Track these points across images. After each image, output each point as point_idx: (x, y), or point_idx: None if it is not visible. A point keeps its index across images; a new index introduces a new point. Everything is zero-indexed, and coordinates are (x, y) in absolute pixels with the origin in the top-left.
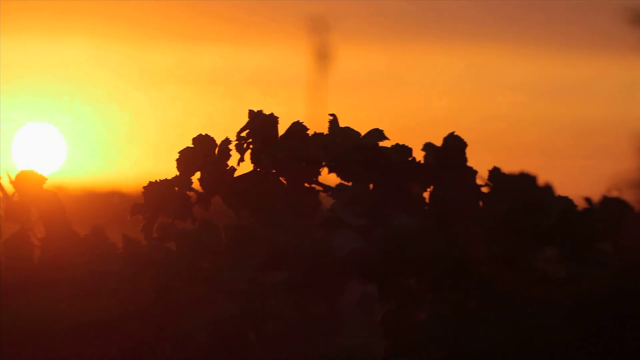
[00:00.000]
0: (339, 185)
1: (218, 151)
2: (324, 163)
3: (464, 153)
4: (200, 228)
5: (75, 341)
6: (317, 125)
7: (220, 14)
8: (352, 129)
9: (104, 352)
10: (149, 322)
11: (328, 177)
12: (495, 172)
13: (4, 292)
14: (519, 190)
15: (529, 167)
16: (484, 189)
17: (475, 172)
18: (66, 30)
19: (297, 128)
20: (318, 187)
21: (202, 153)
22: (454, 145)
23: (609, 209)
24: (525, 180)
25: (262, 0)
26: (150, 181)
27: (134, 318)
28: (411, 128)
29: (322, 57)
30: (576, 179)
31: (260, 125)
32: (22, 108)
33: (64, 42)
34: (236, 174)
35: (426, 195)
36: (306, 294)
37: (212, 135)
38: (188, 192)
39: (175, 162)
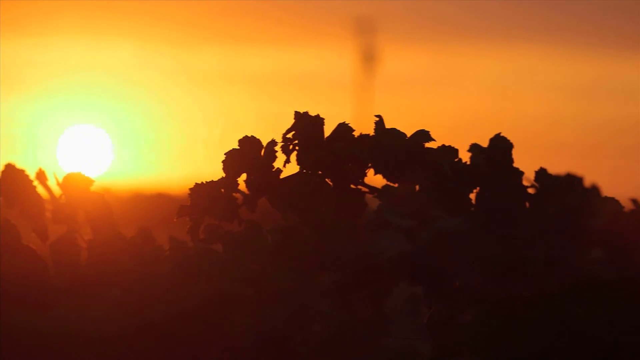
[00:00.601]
0: (385, 187)
1: (264, 153)
2: (370, 164)
3: (510, 154)
4: (246, 230)
5: (123, 345)
6: (363, 126)
7: (267, 15)
8: (399, 130)
9: (151, 356)
10: (196, 324)
11: (374, 179)
12: (541, 173)
13: (52, 294)
14: (565, 192)
15: (571, 167)
16: (531, 190)
17: (522, 173)
18: (113, 31)
19: (343, 129)
20: (364, 189)
21: (249, 155)
22: (500, 146)
23: None
24: (572, 181)
25: (308, 3)
26: (196, 183)
27: (181, 321)
28: (457, 129)
29: (368, 58)
30: (616, 179)
31: (306, 126)
32: (69, 110)
33: (111, 43)
34: (282, 175)
35: (472, 196)
36: (353, 296)
37: (258, 137)
38: (234, 194)
39: (222, 164)
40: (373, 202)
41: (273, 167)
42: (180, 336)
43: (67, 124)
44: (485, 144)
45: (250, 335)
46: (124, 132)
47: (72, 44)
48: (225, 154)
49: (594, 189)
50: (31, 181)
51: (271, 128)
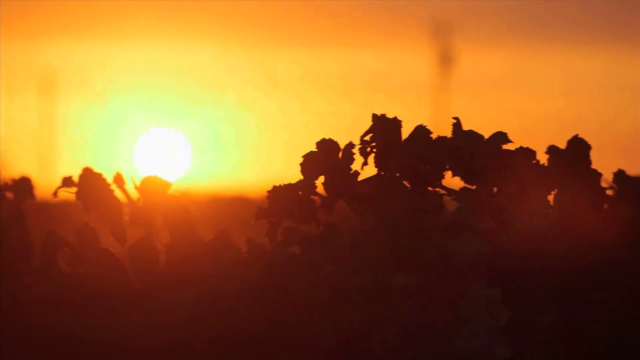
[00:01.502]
0: (463, 189)
1: (342, 155)
2: (447, 166)
3: (588, 155)
4: (324, 232)
5: (201, 347)
6: (441, 128)
7: (345, 17)
8: (476, 132)
9: (229, 358)
10: (273, 326)
11: (452, 181)
12: (620, 175)
13: (131, 296)
14: None
15: None
16: (609, 192)
17: (600, 174)
18: (192, 34)
19: (421, 131)
20: (442, 191)
21: (327, 157)
22: (578, 147)
23: None
24: None
25: (386, 5)
26: (274, 186)
27: (259, 323)
28: (535, 130)
29: (445, 60)
30: None
31: (383, 128)
32: (147, 113)
33: (190, 46)
34: (360, 177)
35: (550, 198)
36: (430, 298)
37: (335, 139)
38: (312, 196)
39: (300, 167)
40: (451, 204)
41: (351, 169)
42: (258, 338)
43: (145, 127)
44: (563, 145)
45: (328, 336)
46: (202, 135)
47: (151, 46)
48: (303, 156)
49: None
50: (109, 185)
51: (349, 130)
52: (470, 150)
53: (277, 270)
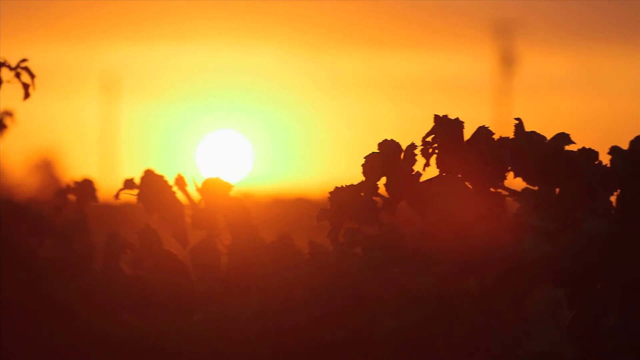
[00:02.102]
0: (525, 190)
1: (404, 156)
2: (509, 167)
3: None
4: (386, 233)
5: (264, 348)
6: (503, 129)
7: (407, 19)
8: (538, 133)
9: (292, 358)
10: (337, 327)
11: (514, 182)
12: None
13: (193, 298)
14: None
15: None
16: None
17: None
18: (256, 35)
19: (483, 132)
20: (504, 192)
21: (388, 158)
22: None
23: None
24: None
25: (448, 6)
26: (336, 187)
27: (322, 324)
28: (597, 131)
29: (508, 61)
30: None
31: (446, 129)
32: (209, 115)
33: (253, 47)
34: (422, 178)
35: (613, 199)
36: (495, 300)
37: (398, 140)
38: (374, 198)
39: (362, 168)
40: (513, 205)
41: (413, 170)
42: (321, 339)
43: (207, 129)
44: (625, 146)
45: (392, 338)
46: (264, 137)
47: (214, 48)
48: (365, 157)
49: None
50: (170, 187)
51: (411, 131)
52: (532, 151)
53: (339, 272)
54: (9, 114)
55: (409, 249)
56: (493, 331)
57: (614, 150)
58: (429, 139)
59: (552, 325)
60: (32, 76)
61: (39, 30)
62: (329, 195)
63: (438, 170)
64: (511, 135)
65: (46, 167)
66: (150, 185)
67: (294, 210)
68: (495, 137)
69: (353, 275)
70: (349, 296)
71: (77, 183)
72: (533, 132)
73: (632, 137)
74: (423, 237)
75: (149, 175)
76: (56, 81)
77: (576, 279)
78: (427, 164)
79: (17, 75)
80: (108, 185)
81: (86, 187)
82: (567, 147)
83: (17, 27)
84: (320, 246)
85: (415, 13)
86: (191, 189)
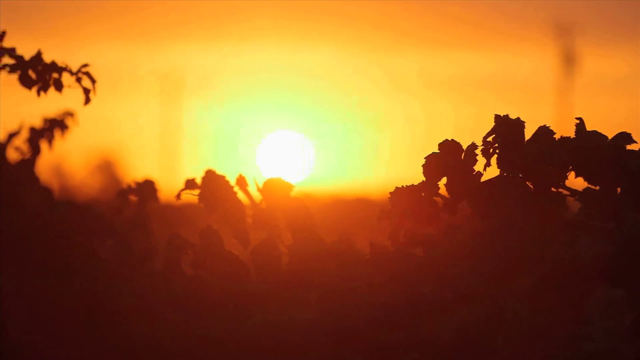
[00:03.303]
0: (586, 189)
1: (464, 156)
2: (570, 167)
3: None
4: (447, 233)
5: (324, 347)
6: (564, 129)
7: (465, 19)
8: (599, 133)
9: (352, 358)
10: (396, 327)
11: (575, 181)
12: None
13: (254, 298)
14: None
15: None
16: None
17: None
18: (314, 35)
19: (544, 132)
20: (565, 192)
21: (449, 158)
22: None
23: None
24: None
25: (507, 6)
26: (397, 187)
27: (382, 323)
28: None
29: (569, 60)
30: None
31: (506, 129)
32: (269, 115)
33: (312, 47)
34: (483, 178)
35: None
36: (553, 299)
37: (458, 140)
38: (435, 198)
39: (422, 168)
40: (574, 204)
41: (473, 170)
42: (381, 338)
43: (268, 130)
44: None
45: (451, 336)
46: (324, 137)
47: (273, 48)
48: (425, 157)
49: None
50: (232, 187)
51: (471, 131)
52: (593, 150)
53: (400, 272)
54: (70, 114)
55: (468, 249)
56: (551, 331)
57: None
58: (489, 138)
59: (612, 325)
60: (93, 81)
61: (100, 31)
62: (389, 195)
63: (499, 170)
64: (572, 134)
65: (107, 168)
66: (212, 185)
67: (354, 210)
68: (556, 136)
69: (413, 276)
70: (408, 296)
71: (138, 184)
72: (594, 132)
73: None
74: (483, 237)
75: (210, 175)
76: (117, 81)
77: (635, 279)
78: (487, 164)
79: (78, 80)
80: (169, 186)
81: (147, 188)
82: (629, 147)
83: (78, 27)
84: (381, 246)
85: (473, 13)
86: (252, 189)
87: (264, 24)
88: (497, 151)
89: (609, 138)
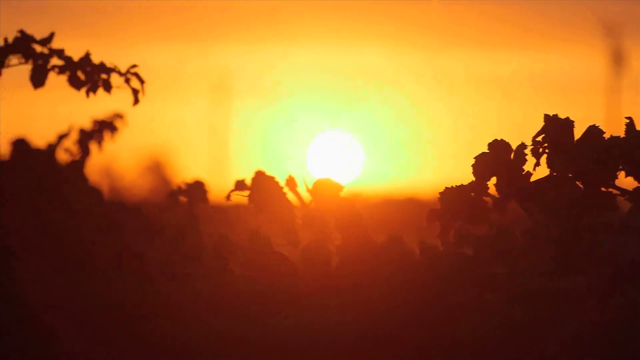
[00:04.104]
0: (636, 189)
1: (514, 156)
2: (620, 166)
3: None
4: (496, 234)
5: (375, 346)
6: (614, 128)
7: (511, 19)
8: None
9: (401, 357)
10: (446, 327)
11: (625, 181)
12: None
13: (303, 298)
14: None
15: None
16: None
17: None
18: (363, 35)
19: (593, 132)
20: (615, 191)
21: (498, 158)
22: None
23: None
24: None
25: (554, 6)
26: (446, 187)
27: (432, 322)
28: None
29: (618, 60)
30: None
31: (556, 129)
32: (319, 115)
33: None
34: (532, 178)
35: None
36: (604, 299)
37: (507, 140)
38: (484, 198)
39: (472, 168)
40: (624, 204)
41: (523, 170)
42: (430, 338)
43: (317, 130)
44: None
45: (500, 336)
46: (374, 137)
47: (322, 48)
48: (475, 157)
49: None
50: (281, 188)
51: (520, 131)
52: None
53: (450, 272)
54: (119, 116)
55: (518, 249)
56: (602, 330)
57: None
58: (539, 138)
59: None
60: (142, 82)
61: (148, 31)
62: (439, 195)
63: (548, 169)
64: (622, 134)
65: (157, 169)
66: (261, 186)
67: (404, 210)
68: (606, 136)
69: (463, 276)
70: (459, 296)
71: (188, 185)
72: None
73: None
74: (532, 237)
75: (259, 176)
76: (166, 82)
77: None
78: (537, 164)
79: (127, 80)
80: (219, 187)
81: (197, 189)
82: None
83: (126, 27)
84: (431, 246)
85: (520, 13)
86: (302, 190)
87: (313, 23)
88: (547, 151)
89: None
